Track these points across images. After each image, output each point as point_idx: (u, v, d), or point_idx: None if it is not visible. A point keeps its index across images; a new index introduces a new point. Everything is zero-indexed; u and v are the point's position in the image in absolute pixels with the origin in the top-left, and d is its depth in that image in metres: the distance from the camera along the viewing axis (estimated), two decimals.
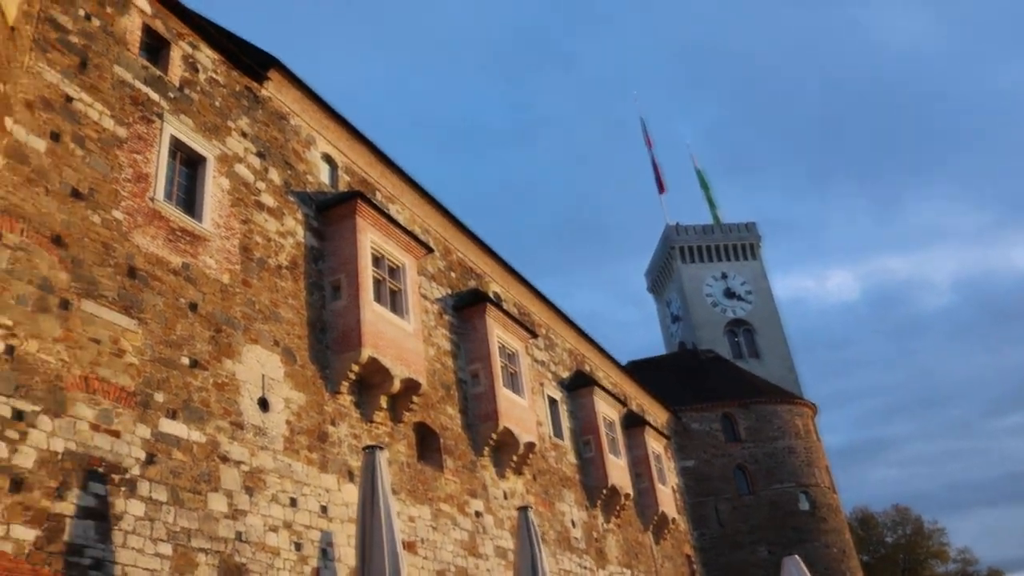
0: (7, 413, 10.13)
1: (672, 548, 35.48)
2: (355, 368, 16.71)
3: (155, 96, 14.58)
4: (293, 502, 14.30)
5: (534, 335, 26.70)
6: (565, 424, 28.69)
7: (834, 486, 44.85)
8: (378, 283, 18.40)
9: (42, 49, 12.75)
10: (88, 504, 10.77)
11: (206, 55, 16.30)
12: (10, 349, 10.48)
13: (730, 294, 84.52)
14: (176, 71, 15.35)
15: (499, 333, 23.98)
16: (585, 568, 26.16)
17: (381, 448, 12.89)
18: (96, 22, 13.88)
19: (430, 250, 21.18)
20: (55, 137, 12.34)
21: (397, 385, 17.65)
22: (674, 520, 34.77)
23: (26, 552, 9.82)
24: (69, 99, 12.83)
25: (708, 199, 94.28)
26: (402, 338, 18.34)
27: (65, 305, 11.44)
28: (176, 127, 14.77)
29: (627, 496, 30.09)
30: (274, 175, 17.22)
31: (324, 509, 15.02)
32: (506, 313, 24.82)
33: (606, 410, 30.88)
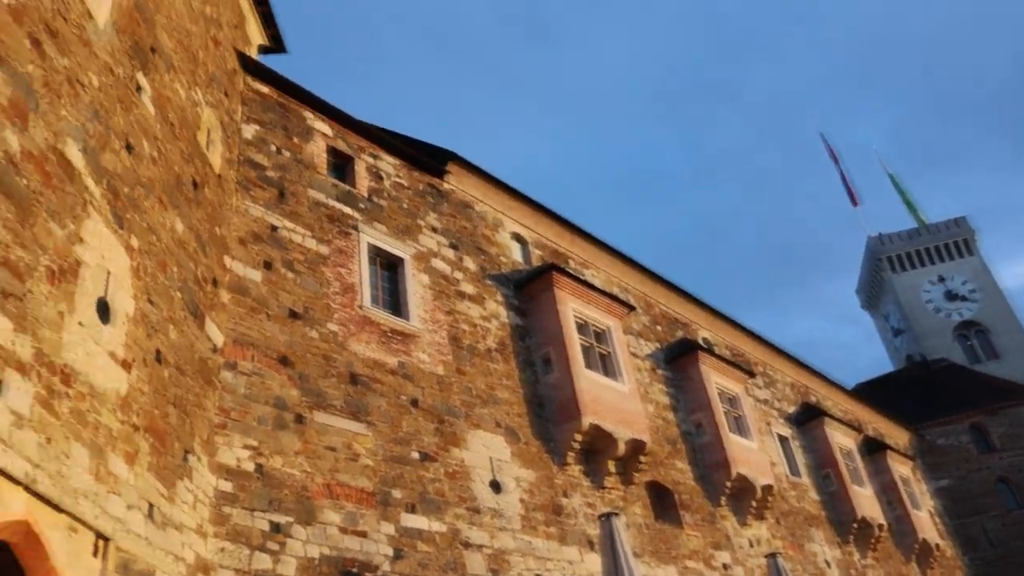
0: (265, 527, 10.78)
1: None
2: (578, 437, 16.72)
3: (348, 210, 15.47)
4: None
5: (751, 375, 25.83)
6: (800, 460, 27.33)
7: None
8: (586, 349, 18.43)
9: (245, 188, 13.86)
10: None
11: (387, 162, 17.18)
12: (259, 467, 11.20)
13: (952, 296, 78.25)
14: (363, 183, 16.25)
15: (716, 379, 23.36)
16: None
17: (616, 514, 12.72)
18: (287, 154, 14.98)
19: (632, 308, 21.07)
20: (267, 266, 13.29)
21: (622, 448, 17.48)
22: (938, 546, 31.96)
23: None
24: (274, 228, 13.82)
25: (906, 202, 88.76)
26: (620, 400, 18.21)
27: (300, 419, 12.15)
28: (372, 235, 15.57)
29: (881, 527, 28.11)
30: (469, 263, 17.76)
31: None
32: (719, 357, 24.20)
33: (841, 439, 29.25)
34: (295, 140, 15.36)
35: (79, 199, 8.37)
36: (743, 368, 25.41)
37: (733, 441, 22.08)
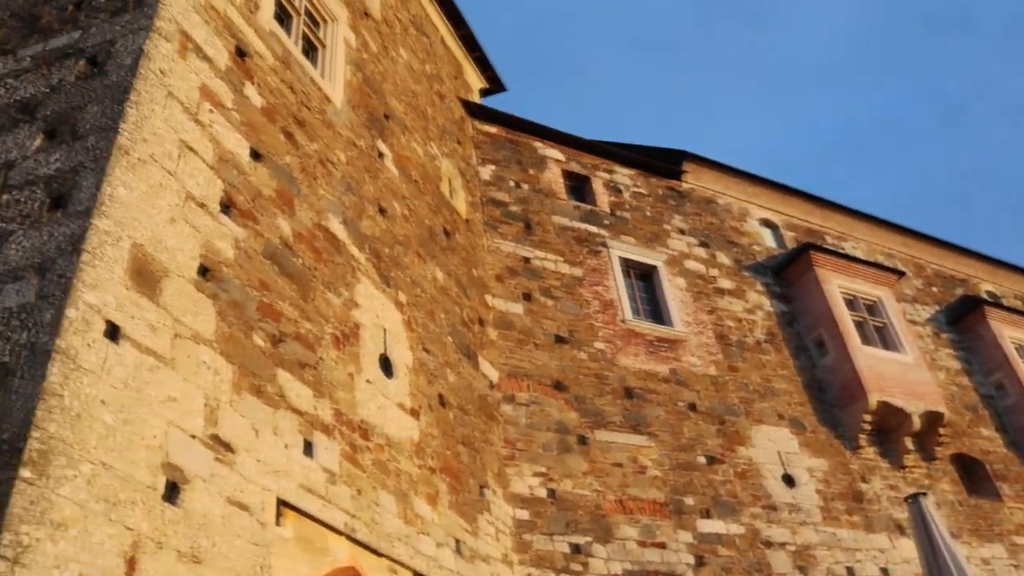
0: (566, 549, 11.09)
1: None
2: (867, 418, 15.87)
3: (594, 229, 15.70)
4: (850, 571, 13.69)
5: None
6: None
7: None
8: (860, 325, 17.51)
9: (493, 227, 14.45)
10: None
11: (623, 175, 17.29)
12: (551, 492, 11.56)
13: None
14: (603, 199, 16.44)
15: (1010, 333, 21.35)
16: None
17: (924, 494, 11.90)
18: (525, 186, 15.47)
19: (901, 274, 19.79)
20: (527, 297, 13.75)
21: (917, 422, 16.39)
22: None
23: None
24: (527, 260, 14.29)
25: None
26: (905, 372, 17.12)
27: (583, 440, 12.42)
28: (621, 249, 15.71)
29: None
30: (722, 258, 17.46)
31: (885, 572, 14.15)
32: (1010, 309, 22.14)
33: None
34: (531, 171, 15.84)
35: (348, 267, 9.09)
36: None
37: None
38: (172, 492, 5.47)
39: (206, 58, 7.85)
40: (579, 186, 16.61)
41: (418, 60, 14.84)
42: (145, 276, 5.89)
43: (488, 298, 13.25)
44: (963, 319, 21.41)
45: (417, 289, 10.72)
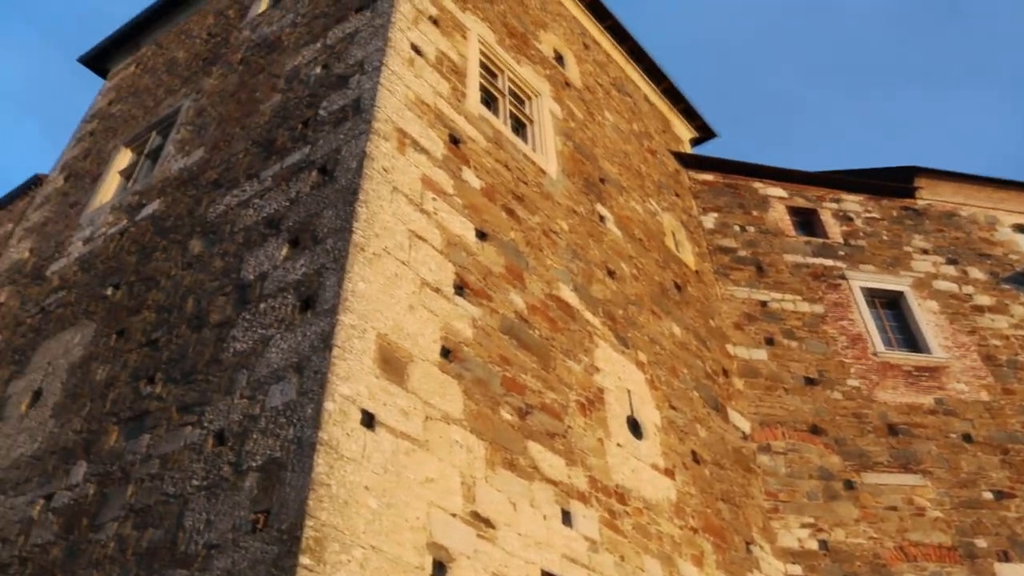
0: None
1: None
2: None
3: (829, 262, 14.96)
4: None
5: None
6: None
7: None
8: None
9: (724, 274, 14.09)
10: None
11: (851, 202, 16.44)
12: (823, 543, 10.86)
13: None
14: (834, 230, 15.66)
15: None
16: None
17: None
18: (751, 229, 15.02)
19: None
20: (769, 341, 13.22)
21: None
22: None
23: None
24: (764, 304, 13.78)
25: None
26: None
27: (849, 485, 11.64)
28: (861, 278, 14.84)
29: None
30: (976, 273, 16.10)
31: None
32: None
33: None
34: (754, 213, 15.39)
35: (584, 333, 9.08)
36: None
37: None
38: (439, 571, 5.55)
39: (423, 150, 8.21)
40: (807, 220, 15.93)
41: (624, 120, 14.91)
42: (392, 363, 6.11)
43: (729, 347, 12.86)
44: None
45: (656, 347, 10.55)
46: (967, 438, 12.90)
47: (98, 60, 16.86)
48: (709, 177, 16.02)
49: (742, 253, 14.55)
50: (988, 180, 17.91)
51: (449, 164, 8.52)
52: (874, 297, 14.84)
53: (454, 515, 5.90)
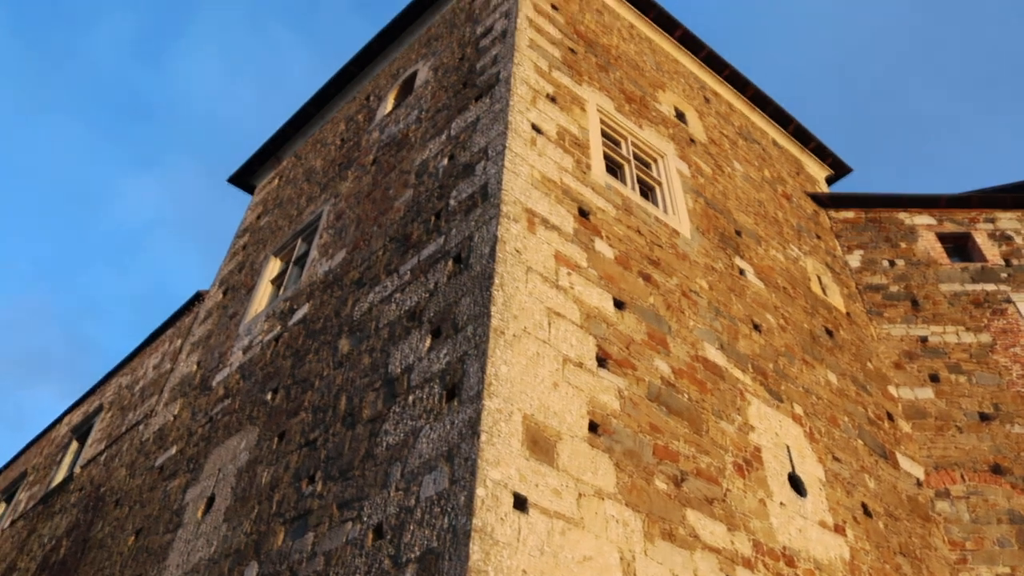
0: None
1: None
2: None
3: (990, 287, 14.19)
4: None
5: None
6: None
7: None
8: None
9: (877, 313, 13.58)
10: None
11: (1007, 219, 15.58)
12: None
13: None
14: (992, 252, 14.87)
15: None
16: None
17: None
18: (900, 262, 14.44)
19: None
20: (934, 379, 12.59)
21: None
22: None
23: None
24: (924, 339, 13.18)
25: None
26: None
27: None
28: None
29: None
30: None
31: None
32: None
33: None
34: (902, 245, 14.81)
35: (734, 391, 8.91)
36: None
37: None
38: None
39: (553, 227, 8.34)
40: (960, 246, 15.21)
41: (755, 168, 14.73)
42: (540, 444, 6.17)
43: (891, 389, 12.32)
44: None
45: (812, 397, 10.22)
46: None
47: (245, 177, 17.98)
48: (849, 214, 15.56)
49: (893, 288, 14.00)
50: None
51: (580, 237, 8.62)
52: None
53: None
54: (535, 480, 5.89)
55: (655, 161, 11.75)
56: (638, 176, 11.17)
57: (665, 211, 10.87)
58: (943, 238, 15.14)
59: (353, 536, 6.34)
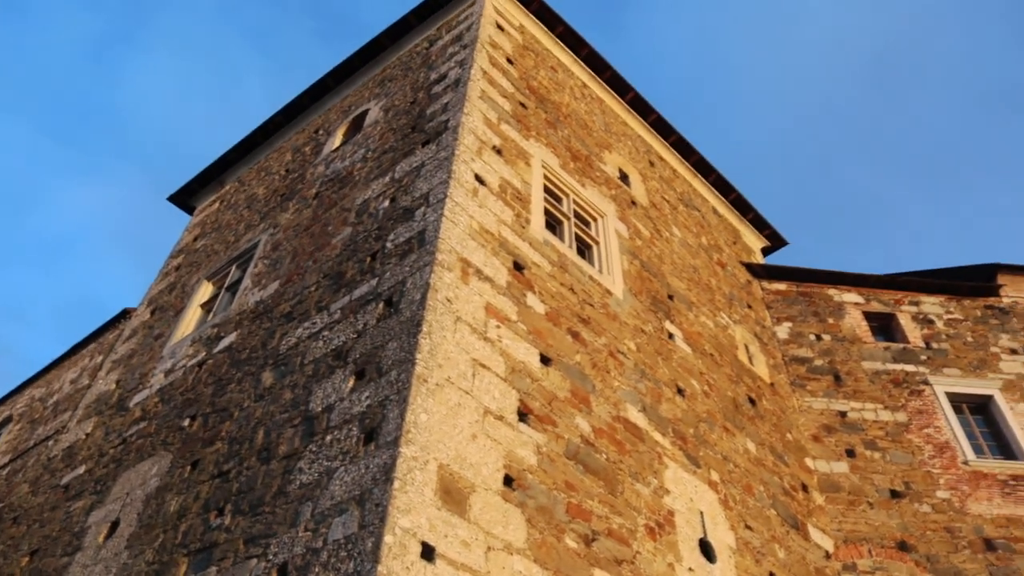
0: None
1: None
2: None
3: (910, 368, 14.59)
4: None
5: None
6: None
7: None
8: None
9: (800, 385, 13.86)
10: None
11: (930, 303, 16.09)
12: None
13: None
14: (914, 334, 15.32)
15: None
16: None
17: None
18: (826, 337, 14.80)
19: None
20: (850, 453, 12.87)
21: None
22: None
23: None
24: (843, 414, 13.47)
25: None
26: None
27: None
28: (945, 383, 14.42)
29: None
30: None
31: None
32: None
33: None
34: (829, 320, 15.18)
35: (653, 454, 9.01)
36: None
37: None
38: None
39: (486, 279, 8.42)
40: (884, 325, 15.64)
41: (692, 235, 15.02)
42: (453, 494, 6.18)
43: (808, 461, 12.55)
44: None
45: (729, 464, 10.38)
46: None
47: (185, 197, 17.81)
48: (782, 286, 15.93)
49: (818, 362, 14.33)
50: None
51: (512, 291, 8.70)
52: (961, 402, 14.38)
53: None
54: (445, 531, 5.88)
55: (595, 220, 11.93)
56: (576, 234, 11.33)
57: (600, 270, 11.02)
58: (869, 317, 15.56)
59: (256, 573, 6.26)
